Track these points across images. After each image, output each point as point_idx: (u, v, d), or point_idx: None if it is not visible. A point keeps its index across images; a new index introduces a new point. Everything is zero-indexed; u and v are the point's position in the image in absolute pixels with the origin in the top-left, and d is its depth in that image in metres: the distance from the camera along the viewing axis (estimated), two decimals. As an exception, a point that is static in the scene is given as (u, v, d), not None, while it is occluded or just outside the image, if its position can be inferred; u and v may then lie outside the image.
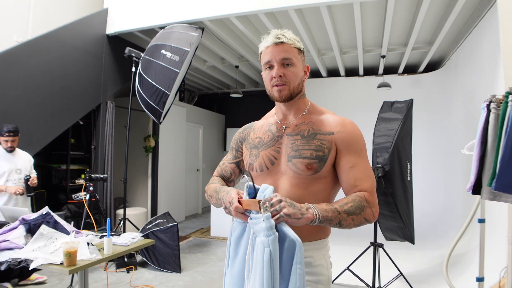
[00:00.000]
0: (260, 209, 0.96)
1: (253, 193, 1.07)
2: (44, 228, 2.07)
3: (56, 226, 2.14)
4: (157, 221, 4.08)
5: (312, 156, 1.15)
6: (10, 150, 3.32)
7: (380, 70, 6.38)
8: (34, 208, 3.89)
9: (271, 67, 1.20)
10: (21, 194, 3.29)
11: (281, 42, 1.18)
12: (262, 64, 1.24)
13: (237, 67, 6.49)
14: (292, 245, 0.96)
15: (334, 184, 1.20)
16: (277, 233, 0.96)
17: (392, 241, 3.52)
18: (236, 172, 1.42)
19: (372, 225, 3.23)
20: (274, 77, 1.18)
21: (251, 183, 1.07)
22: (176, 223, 3.95)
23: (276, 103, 1.30)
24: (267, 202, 0.97)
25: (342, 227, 1.07)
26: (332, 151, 1.17)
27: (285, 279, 0.98)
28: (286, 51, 1.19)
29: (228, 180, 1.43)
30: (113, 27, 4.91)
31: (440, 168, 5.84)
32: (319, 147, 1.16)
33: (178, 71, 3.58)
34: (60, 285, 3.43)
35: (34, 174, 3.52)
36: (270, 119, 1.34)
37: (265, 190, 1.06)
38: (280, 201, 0.99)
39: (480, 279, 2.41)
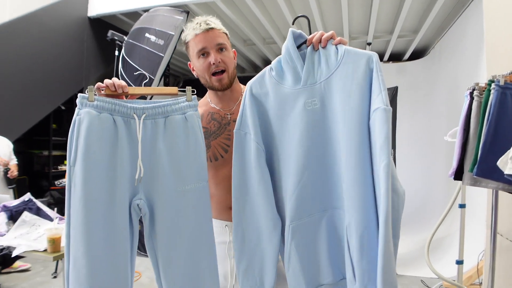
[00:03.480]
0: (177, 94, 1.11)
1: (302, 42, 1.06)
2: (26, 215, 2.03)
3: (39, 212, 2.11)
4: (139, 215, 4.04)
5: None
6: None
7: (366, 58, 6.41)
8: (16, 195, 3.82)
9: (205, 54, 1.19)
10: (6, 166, 3.25)
11: (212, 28, 1.18)
12: (193, 52, 1.21)
13: (222, 52, 6.41)
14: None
15: None
16: None
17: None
18: None
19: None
20: (213, 64, 1.17)
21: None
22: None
23: (211, 92, 1.29)
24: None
25: None
26: None
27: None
28: (219, 37, 1.19)
29: None
30: (94, 9, 4.76)
31: (423, 155, 5.95)
32: None
33: (163, 55, 3.51)
34: (45, 272, 3.39)
35: (14, 161, 3.44)
36: (205, 108, 1.30)
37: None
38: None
39: (459, 262, 2.49)
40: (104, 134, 1.00)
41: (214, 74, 1.20)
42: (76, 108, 1.01)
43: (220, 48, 1.20)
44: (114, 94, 1.06)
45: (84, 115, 0.99)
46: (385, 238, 0.84)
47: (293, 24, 1.16)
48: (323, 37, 1.00)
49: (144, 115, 1.04)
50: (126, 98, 1.11)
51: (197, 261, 1.07)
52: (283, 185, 1.04)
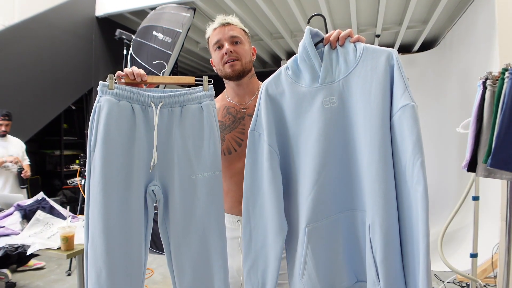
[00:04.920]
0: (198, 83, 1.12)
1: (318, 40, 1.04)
2: (40, 214, 2.05)
3: (52, 211, 2.13)
4: (154, 204, 4.07)
5: None
6: (3, 134, 3.30)
7: (375, 50, 6.34)
8: (29, 194, 3.87)
9: (220, 46, 1.24)
10: (18, 163, 3.30)
11: (228, 23, 1.25)
12: (211, 47, 1.27)
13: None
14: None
15: None
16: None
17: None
18: None
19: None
20: (225, 54, 1.21)
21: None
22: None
23: (228, 85, 1.32)
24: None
25: None
26: None
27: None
28: (234, 30, 1.25)
29: None
30: (102, 8, 4.79)
31: (435, 147, 5.87)
32: None
33: (171, 52, 3.52)
34: (59, 270, 3.44)
35: (27, 162, 3.49)
36: (222, 103, 1.33)
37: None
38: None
39: (473, 255, 2.45)
40: (123, 121, 1.03)
41: (226, 63, 1.23)
42: (97, 96, 1.04)
43: (235, 41, 1.24)
44: (134, 82, 1.10)
45: (104, 103, 1.03)
46: (426, 233, 0.83)
47: (308, 23, 1.15)
48: (340, 35, 0.99)
49: (161, 104, 1.07)
50: (145, 87, 1.14)
51: (207, 247, 1.08)
52: (299, 188, 1.01)
